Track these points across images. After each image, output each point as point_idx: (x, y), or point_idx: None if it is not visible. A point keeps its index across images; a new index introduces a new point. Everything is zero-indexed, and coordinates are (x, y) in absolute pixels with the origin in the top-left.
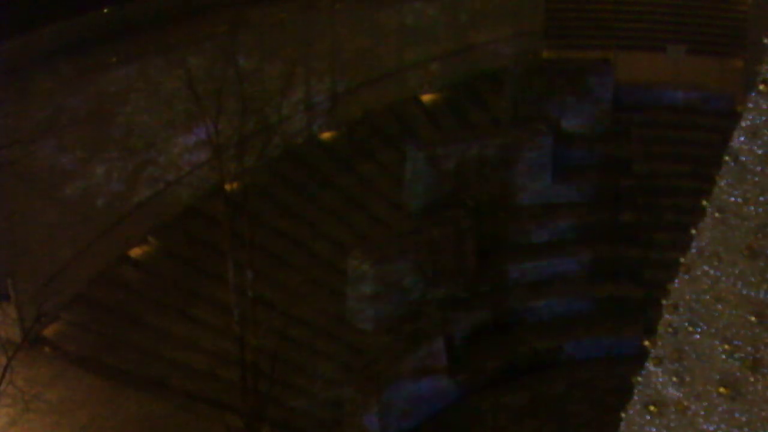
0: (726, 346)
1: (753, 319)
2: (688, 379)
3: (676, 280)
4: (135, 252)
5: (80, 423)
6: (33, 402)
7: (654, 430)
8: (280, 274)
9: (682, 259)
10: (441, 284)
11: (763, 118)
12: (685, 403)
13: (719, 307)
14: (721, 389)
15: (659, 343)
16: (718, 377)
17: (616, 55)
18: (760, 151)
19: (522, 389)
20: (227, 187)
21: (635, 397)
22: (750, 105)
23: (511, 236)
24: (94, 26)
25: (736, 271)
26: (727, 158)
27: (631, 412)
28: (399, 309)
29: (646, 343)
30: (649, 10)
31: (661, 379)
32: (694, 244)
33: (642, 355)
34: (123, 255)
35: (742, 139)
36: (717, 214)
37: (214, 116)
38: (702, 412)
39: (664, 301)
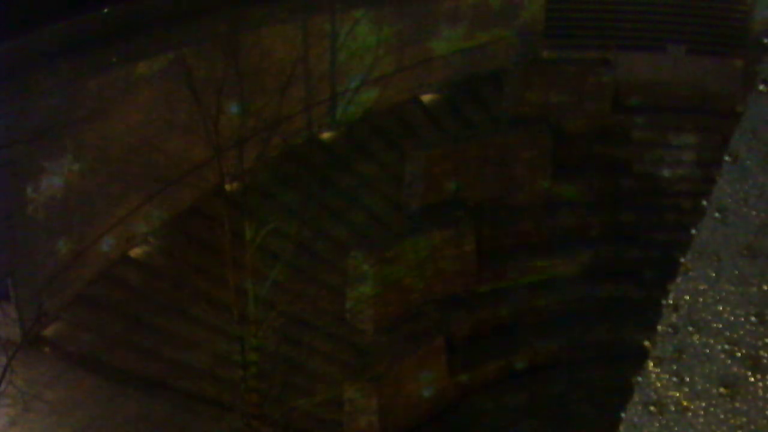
0: (726, 346)
1: (753, 319)
2: (688, 379)
3: (676, 280)
4: (135, 252)
5: (80, 423)
6: (33, 402)
7: (654, 430)
8: (280, 274)
9: (682, 259)
10: (441, 284)
11: (763, 118)
12: (685, 403)
13: (719, 307)
14: (721, 389)
15: (659, 343)
16: (718, 377)
17: (616, 55)
18: (760, 151)
19: (522, 389)
20: (227, 187)
21: (635, 397)
22: (750, 105)
23: (511, 236)
24: (94, 26)
25: (736, 271)
26: (727, 158)
27: (631, 412)
28: (399, 309)
29: (646, 343)
30: (649, 10)
31: (661, 379)
32: (694, 244)
33: (642, 355)
34: (123, 255)
35: (742, 139)
36: (717, 214)
37: (214, 116)
38: (702, 412)
39: (664, 301)
